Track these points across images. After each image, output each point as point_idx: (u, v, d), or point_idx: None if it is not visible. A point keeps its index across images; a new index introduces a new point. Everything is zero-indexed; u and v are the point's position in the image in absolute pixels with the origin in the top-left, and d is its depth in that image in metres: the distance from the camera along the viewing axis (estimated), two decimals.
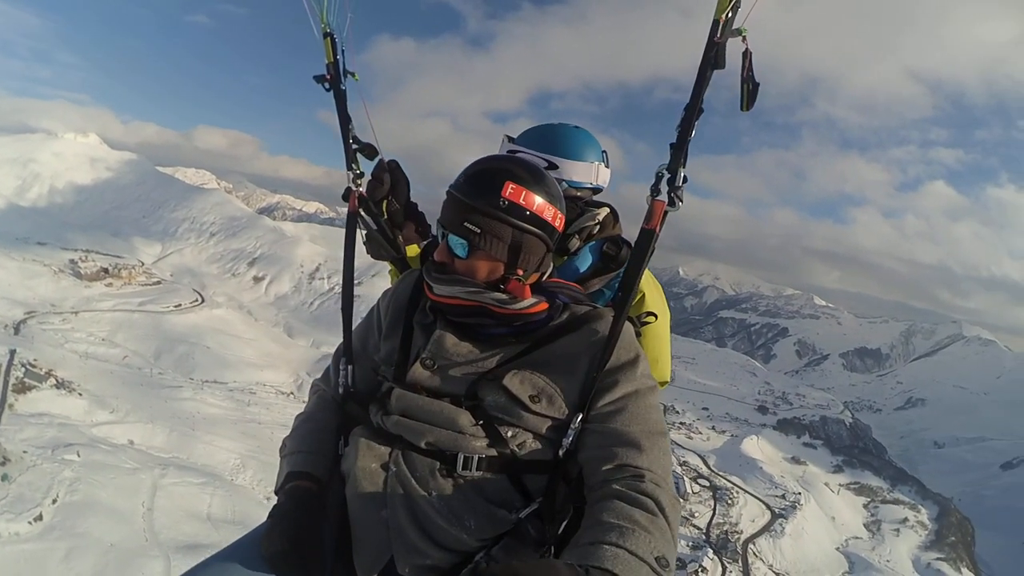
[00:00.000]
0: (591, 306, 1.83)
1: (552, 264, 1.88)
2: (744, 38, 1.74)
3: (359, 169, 2.25)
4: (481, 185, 1.68)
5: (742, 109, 1.79)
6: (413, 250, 2.37)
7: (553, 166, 2.24)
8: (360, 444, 1.77)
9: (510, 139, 2.38)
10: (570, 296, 1.83)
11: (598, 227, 2.23)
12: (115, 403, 71.61)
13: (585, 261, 2.19)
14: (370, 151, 2.24)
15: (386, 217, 2.32)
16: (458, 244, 1.70)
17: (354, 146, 2.24)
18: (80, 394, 70.15)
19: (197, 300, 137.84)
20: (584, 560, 1.22)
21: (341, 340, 2.07)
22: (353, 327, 2.06)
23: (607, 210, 2.28)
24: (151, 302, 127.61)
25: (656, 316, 2.10)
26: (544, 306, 1.75)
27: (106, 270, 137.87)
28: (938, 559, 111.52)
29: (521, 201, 1.67)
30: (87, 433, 60.04)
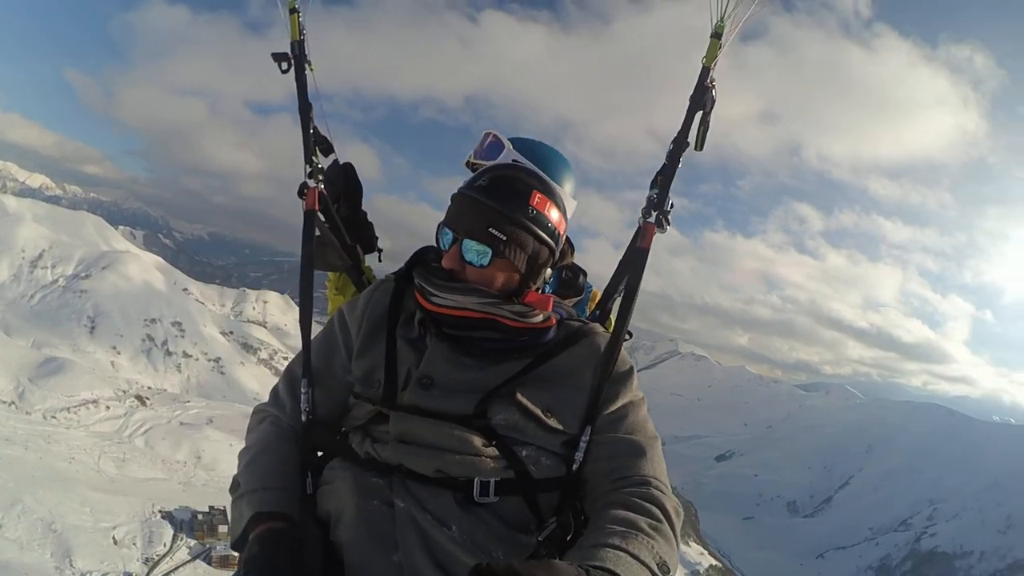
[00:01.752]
0: (582, 322, 1.82)
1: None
2: (714, 85, 1.90)
3: (319, 163, 2.06)
4: (510, 191, 1.62)
5: (696, 149, 1.92)
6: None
7: None
8: (349, 478, 1.57)
9: (512, 145, 2.11)
10: (566, 311, 1.82)
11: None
12: None
13: (547, 287, 2.09)
14: (327, 147, 2.08)
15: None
16: (477, 251, 1.60)
17: (313, 138, 2.05)
18: None
19: None
20: (585, 561, 1.17)
21: (294, 359, 1.87)
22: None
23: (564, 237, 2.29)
24: None
25: (632, 334, 1.99)
26: (554, 321, 1.71)
27: None
28: None
29: (546, 212, 1.65)
30: None
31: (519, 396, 1.58)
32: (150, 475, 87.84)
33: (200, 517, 73.04)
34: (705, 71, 1.90)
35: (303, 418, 1.74)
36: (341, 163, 2.15)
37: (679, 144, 1.91)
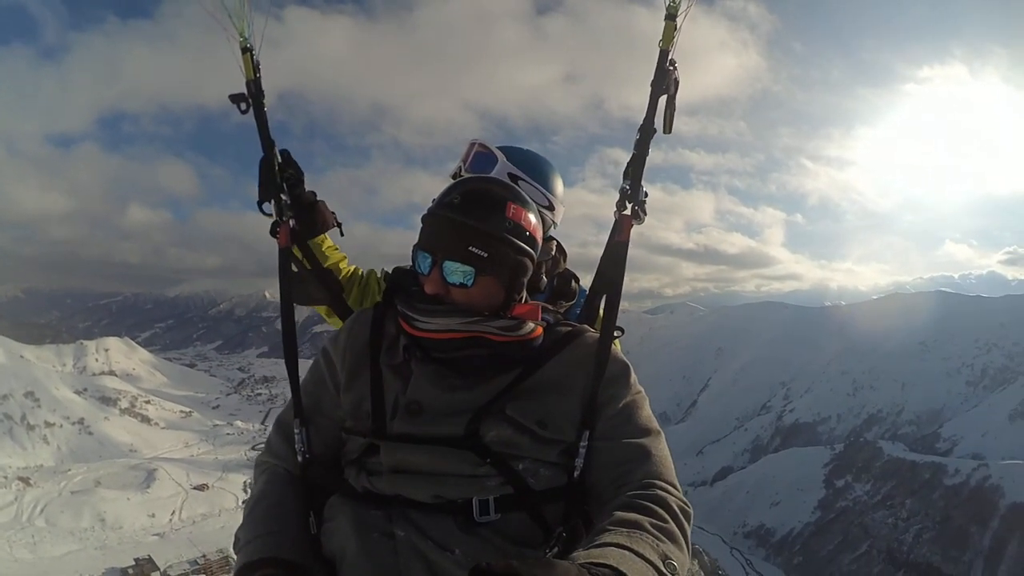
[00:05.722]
0: (571, 325, 1.75)
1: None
2: (675, 67, 1.81)
3: (287, 199, 2.00)
4: (485, 206, 1.52)
5: (664, 132, 1.84)
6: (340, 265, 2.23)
7: (551, 207, 2.17)
8: (348, 513, 1.49)
9: (505, 156, 2.15)
10: (553, 316, 1.75)
11: (550, 260, 2.13)
12: None
13: (540, 295, 1.99)
14: (293, 181, 2.03)
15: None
16: (459, 272, 1.51)
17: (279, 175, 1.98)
18: None
19: None
20: (587, 559, 1.09)
21: (285, 406, 1.79)
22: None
23: (555, 243, 2.22)
24: None
25: (623, 331, 1.87)
26: (540, 331, 1.63)
27: None
28: None
29: (522, 222, 1.56)
30: None
31: (511, 410, 1.52)
32: (65, 550, 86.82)
33: (131, 572, 74.99)
34: (664, 54, 1.81)
35: (299, 459, 1.67)
36: (279, 150, 2.01)
37: (646, 131, 1.84)
